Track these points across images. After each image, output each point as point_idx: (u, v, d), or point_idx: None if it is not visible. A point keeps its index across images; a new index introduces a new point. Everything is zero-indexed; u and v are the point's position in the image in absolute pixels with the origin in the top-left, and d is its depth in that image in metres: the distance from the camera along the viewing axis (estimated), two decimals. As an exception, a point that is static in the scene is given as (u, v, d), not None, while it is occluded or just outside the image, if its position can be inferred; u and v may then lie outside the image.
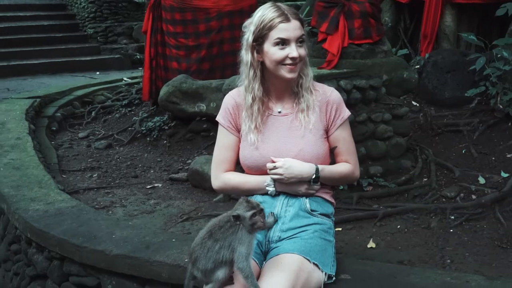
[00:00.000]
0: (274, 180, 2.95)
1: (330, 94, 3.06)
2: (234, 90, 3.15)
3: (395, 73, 5.34)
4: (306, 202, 2.98)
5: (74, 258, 3.70)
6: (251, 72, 2.95)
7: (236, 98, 3.08)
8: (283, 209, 2.96)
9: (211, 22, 6.64)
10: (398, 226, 4.15)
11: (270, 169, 2.94)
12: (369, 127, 4.97)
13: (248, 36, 2.92)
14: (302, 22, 2.92)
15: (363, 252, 3.73)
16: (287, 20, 2.85)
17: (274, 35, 2.85)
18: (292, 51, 2.86)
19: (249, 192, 3.01)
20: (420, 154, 5.33)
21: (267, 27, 2.86)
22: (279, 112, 3.04)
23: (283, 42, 2.86)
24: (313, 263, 2.78)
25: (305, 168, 2.92)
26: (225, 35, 6.66)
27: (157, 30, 6.86)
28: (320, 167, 2.94)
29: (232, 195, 4.44)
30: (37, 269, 4.00)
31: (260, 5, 2.97)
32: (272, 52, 2.88)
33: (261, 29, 2.87)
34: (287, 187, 2.96)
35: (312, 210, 2.98)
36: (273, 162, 2.94)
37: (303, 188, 2.95)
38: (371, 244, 3.84)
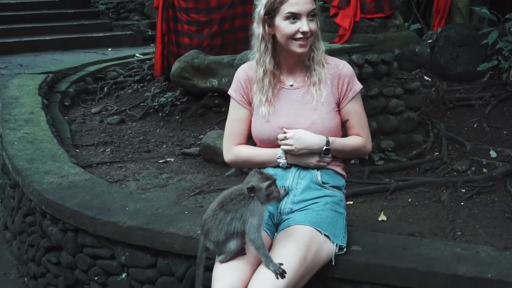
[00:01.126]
0: (285, 152, 2.98)
1: (342, 67, 3.07)
2: (246, 63, 3.16)
3: (407, 48, 5.33)
4: (318, 175, 3.00)
5: (88, 230, 3.73)
6: (262, 46, 2.96)
7: (248, 72, 3.09)
8: (294, 181, 2.99)
9: (222, -4, 6.61)
10: (409, 200, 4.16)
11: (281, 140, 2.96)
12: (380, 101, 4.96)
13: (260, 9, 2.92)
14: (314, -4, 2.93)
15: (374, 225, 3.74)
16: (298, -6, 2.85)
17: (285, 9, 2.86)
18: (303, 25, 2.87)
19: (261, 165, 3.04)
20: (432, 128, 5.32)
21: (278, 1, 2.86)
22: (291, 85, 3.06)
23: (294, 16, 2.86)
24: (324, 235, 2.81)
25: (315, 140, 2.94)
26: (237, 10, 6.61)
27: (169, 5, 6.82)
28: (331, 139, 2.96)
29: (244, 169, 4.46)
30: (51, 240, 4.05)
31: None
32: (283, 26, 2.88)
33: (272, 2, 2.87)
34: (298, 159, 2.98)
35: (323, 183, 3.01)
36: (285, 133, 2.97)
37: (314, 160, 2.97)
38: (382, 217, 3.86)
